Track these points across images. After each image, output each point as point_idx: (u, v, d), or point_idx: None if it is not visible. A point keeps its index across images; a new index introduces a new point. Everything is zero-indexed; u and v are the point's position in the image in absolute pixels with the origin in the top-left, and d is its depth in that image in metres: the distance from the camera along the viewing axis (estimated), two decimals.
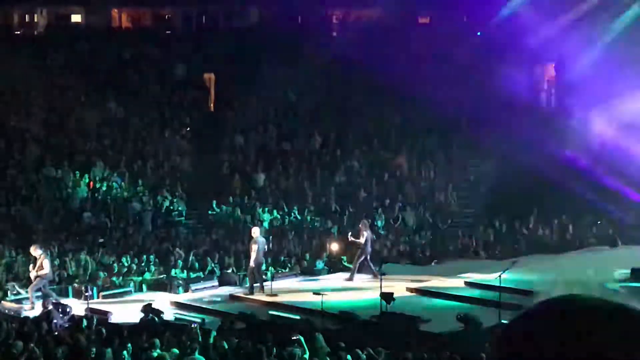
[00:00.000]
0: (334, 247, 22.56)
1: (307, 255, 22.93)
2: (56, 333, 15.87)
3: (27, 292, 19.33)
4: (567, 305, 1.29)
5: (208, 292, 20.65)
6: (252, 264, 19.81)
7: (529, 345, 1.26)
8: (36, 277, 18.96)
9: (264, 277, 20.10)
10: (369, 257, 20.95)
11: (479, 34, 31.55)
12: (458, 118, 28.83)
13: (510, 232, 24.91)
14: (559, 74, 29.98)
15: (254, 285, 19.92)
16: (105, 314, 18.22)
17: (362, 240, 20.89)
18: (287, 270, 22.16)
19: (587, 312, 1.28)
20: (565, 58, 28.30)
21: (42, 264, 18.97)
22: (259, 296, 19.73)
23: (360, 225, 21.31)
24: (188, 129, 28.86)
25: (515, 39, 27.86)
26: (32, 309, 18.59)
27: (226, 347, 13.54)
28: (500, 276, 17.88)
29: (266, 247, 20.43)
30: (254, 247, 19.79)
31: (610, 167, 24.70)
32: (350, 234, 21.41)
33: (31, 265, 19.18)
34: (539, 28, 27.87)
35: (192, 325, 15.04)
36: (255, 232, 20.17)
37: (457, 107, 28.27)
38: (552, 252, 23.29)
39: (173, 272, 21.57)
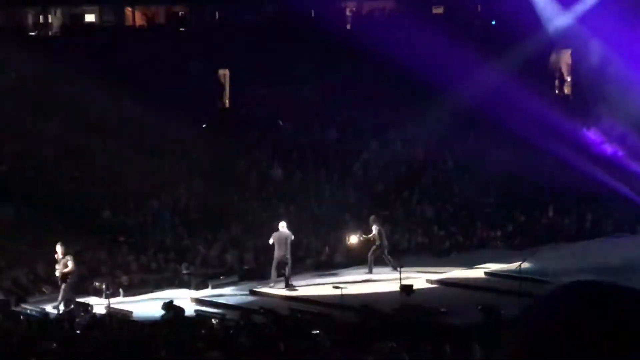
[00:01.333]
0: (352, 240, 22.38)
1: (326, 249, 22.91)
2: (78, 332, 15.96)
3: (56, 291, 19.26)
4: (593, 290, 1.26)
5: (228, 288, 20.69)
6: (277, 257, 19.76)
7: (556, 330, 1.22)
8: (64, 275, 18.90)
9: (288, 270, 20.00)
10: (386, 251, 20.88)
11: (493, 22, 31.38)
12: (475, 106, 28.67)
13: (530, 222, 24.76)
14: (576, 61, 29.76)
15: (278, 278, 19.89)
16: (126, 312, 18.29)
17: (374, 234, 20.82)
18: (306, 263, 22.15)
19: (615, 298, 1.24)
20: (583, 45, 28.09)
21: (67, 262, 18.99)
22: (279, 291, 19.75)
23: (370, 221, 21.20)
24: (204, 125, 28.89)
25: (530, 26, 27.69)
26: (57, 308, 18.63)
27: (247, 341, 13.55)
28: (520, 266, 17.83)
29: (291, 239, 20.18)
30: (280, 241, 19.75)
31: (631, 152, 24.53)
32: (357, 236, 21.33)
33: (57, 265, 19.15)
34: (554, 15, 27.71)
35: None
36: (283, 225, 20.07)
37: (473, 95, 28.11)
38: (571, 240, 23.15)
39: (192, 268, 21.61)
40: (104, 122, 27.94)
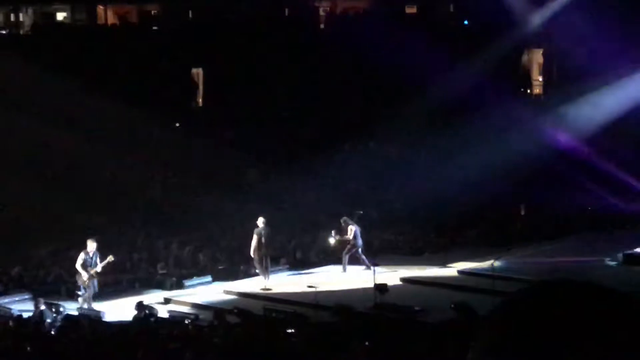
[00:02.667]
0: (331, 241, 22.26)
1: (300, 248, 22.91)
2: (52, 333, 15.85)
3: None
4: (566, 289, 1.26)
5: (201, 287, 20.61)
6: (253, 254, 19.67)
7: (526, 328, 1.21)
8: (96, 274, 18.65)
9: (266, 267, 19.93)
10: (360, 250, 20.90)
11: (465, 22, 31.55)
12: (447, 106, 28.82)
13: (502, 221, 24.91)
14: (547, 60, 29.98)
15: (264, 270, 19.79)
16: (98, 313, 18.16)
17: (350, 235, 20.86)
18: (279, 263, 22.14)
19: (587, 297, 1.24)
20: (554, 43, 28.30)
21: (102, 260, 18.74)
22: (253, 290, 19.71)
23: (342, 223, 21.19)
24: (177, 124, 28.77)
25: (502, 26, 27.85)
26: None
27: (220, 341, 13.51)
28: (493, 264, 17.93)
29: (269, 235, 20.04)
30: (256, 237, 19.64)
31: (602, 151, 24.75)
32: (334, 232, 21.32)
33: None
34: (526, 14, 27.90)
35: None
36: (260, 221, 19.99)
37: (446, 95, 28.27)
38: (543, 239, 23.30)
39: (166, 268, 21.51)
40: (75, 121, 27.75)
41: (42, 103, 28.08)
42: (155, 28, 34.02)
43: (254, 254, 19.82)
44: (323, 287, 18.94)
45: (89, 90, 28.92)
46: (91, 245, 18.74)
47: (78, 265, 18.63)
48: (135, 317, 16.84)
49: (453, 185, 25.94)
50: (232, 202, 25.51)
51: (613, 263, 19.86)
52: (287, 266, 22.15)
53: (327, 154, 27.66)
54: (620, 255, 20.03)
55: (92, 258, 18.62)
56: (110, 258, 18.70)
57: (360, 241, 20.94)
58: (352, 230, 20.88)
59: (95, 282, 18.73)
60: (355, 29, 29.99)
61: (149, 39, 32.26)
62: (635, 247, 20.27)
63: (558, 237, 23.56)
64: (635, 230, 22.51)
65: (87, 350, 13.54)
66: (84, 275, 18.50)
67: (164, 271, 21.35)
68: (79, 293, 18.87)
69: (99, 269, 18.62)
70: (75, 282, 19.38)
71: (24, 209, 24.44)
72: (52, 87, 28.57)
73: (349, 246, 20.91)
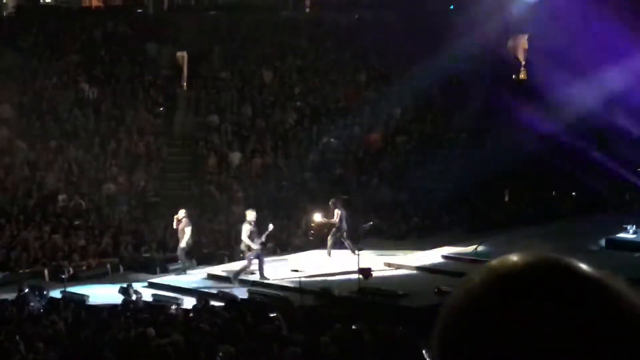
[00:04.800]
0: (316, 218, 22.08)
1: (285, 233, 22.92)
2: (33, 315, 15.82)
3: None
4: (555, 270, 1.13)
5: (187, 272, 20.58)
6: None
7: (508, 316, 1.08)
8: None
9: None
10: (345, 235, 20.90)
11: (451, 7, 31.54)
12: (431, 92, 28.88)
13: (486, 206, 25.01)
14: (533, 46, 30.00)
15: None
16: (82, 296, 18.14)
17: (335, 219, 20.84)
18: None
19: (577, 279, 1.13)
20: (539, 29, 28.31)
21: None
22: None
23: (330, 204, 21.16)
24: (162, 108, 28.64)
25: (488, 12, 27.85)
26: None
27: (206, 326, 13.52)
28: (476, 249, 18.03)
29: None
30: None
31: (586, 136, 24.84)
32: (321, 215, 21.30)
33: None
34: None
35: None
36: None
37: (431, 80, 28.32)
38: (527, 224, 23.42)
39: (150, 252, 21.50)
40: (58, 104, 27.60)
41: (24, 86, 27.89)
42: (139, 10, 33.82)
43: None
44: (307, 271, 18.99)
45: (72, 73, 28.77)
46: (251, 215, 18.61)
47: (245, 237, 18.44)
48: (124, 300, 16.86)
49: (437, 170, 26.01)
50: (216, 185, 25.47)
51: (595, 248, 20.00)
52: (272, 250, 22.14)
53: (312, 137, 27.63)
54: (602, 241, 20.18)
55: (255, 227, 18.50)
56: (271, 227, 18.67)
57: (345, 225, 20.93)
58: (339, 213, 20.87)
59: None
60: (340, 11, 29.83)
61: (134, 21, 32.07)
62: (618, 232, 20.42)
63: (542, 222, 23.69)
64: (617, 215, 22.65)
65: (69, 334, 13.53)
66: (254, 246, 18.36)
67: (148, 255, 21.32)
68: (63, 277, 18.79)
69: (263, 238, 18.57)
70: (57, 265, 19.32)
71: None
72: (35, 70, 28.40)
73: (334, 229, 20.91)
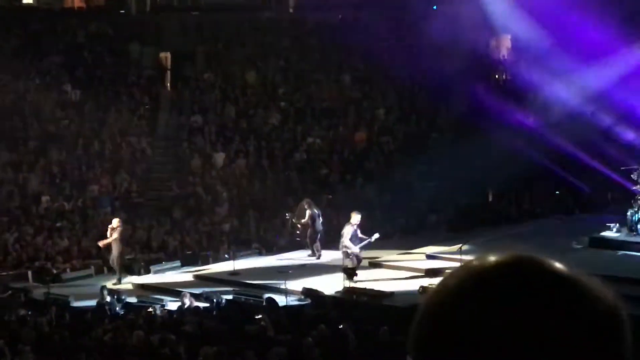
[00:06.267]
0: (295, 223, 22.13)
1: (269, 233, 22.89)
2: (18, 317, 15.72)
3: None
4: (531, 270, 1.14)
5: (171, 272, 20.54)
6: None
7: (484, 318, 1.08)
8: None
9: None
10: (318, 236, 20.81)
11: (434, 7, 31.57)
12: (416, 92, 28.92)
13: (470, 205, 25.05)
14: (516, 45, 30.08)
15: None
16: (65, 297, 18.05)
17: (306, 219, 20.77)
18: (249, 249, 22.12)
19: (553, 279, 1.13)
20: (522, 29, 28.39)
21: None
22: (222, 275, 19.68)
23: (304, 205, 21.14)
24: (145, 108, 28.55)
25: (471, 12, 27.90)
26: None
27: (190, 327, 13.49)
28: (461, 248, 18.05)
29: None
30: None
31: (569, 135, 24.92)
32: (290, 216, 21.26)
33: None
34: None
35: None
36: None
37: (415, 80, 28.37)
38: (511, 223, 23.49)
39: (133, 253, 21.41)
40: (41, 106, 27.47)
41: (6, 88, 27.71)
42: (122, 11, 33.67)
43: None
44: (292, 272, 18.97)
45: (55, 74, 28.62)
46: (356, 218, 18.20)
47: (346, 239, 17.95)
48: (101, 303, 16.78)
49: (421, 170, 26.04)
50: (201, 186, 25.40)
51: (579, 246, 20.09)
52: (257, 251, 22.14)
53: (296, 138, 27.62)
54: (586, 239, 20.26)
55: (356, 230, 18.10)
56: (376, 235, 18.24)
57: (319, 226, 20.83)
58: (309, 214, 20.82)
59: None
60: (327, 10, 29.85)
61: (116, 22, 31.93)
62: (602, 231, 20.51)
63: (526, 221, 23.78)
64: (601, 214, 22.75)
65: (50, 335, 13.45)
66: (354, 249, 17.94)
67: (131, 256, 21.23)
68: (47, 278, 18.69)
69: (364, 243, 18.14)
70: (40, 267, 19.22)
71: None
72: (17, 71, 28.22)
73: (310, 231, 20.86)
